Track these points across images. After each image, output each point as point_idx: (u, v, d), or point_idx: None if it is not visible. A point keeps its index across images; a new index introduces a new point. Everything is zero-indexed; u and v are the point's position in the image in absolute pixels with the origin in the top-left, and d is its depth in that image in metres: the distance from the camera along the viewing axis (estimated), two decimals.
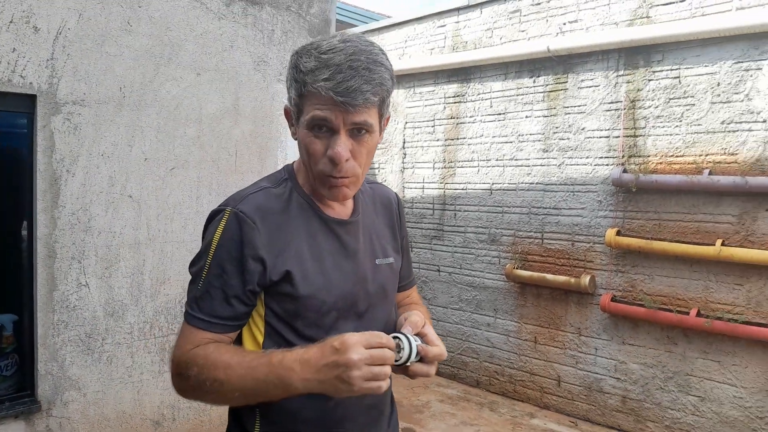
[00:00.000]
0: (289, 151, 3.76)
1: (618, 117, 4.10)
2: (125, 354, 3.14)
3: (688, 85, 3.77)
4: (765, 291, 3.50)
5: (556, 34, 4.42)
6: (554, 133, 4.44)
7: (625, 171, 4.01)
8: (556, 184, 4.44)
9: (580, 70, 4.29)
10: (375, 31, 5.77)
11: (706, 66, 3.70)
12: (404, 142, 5.54)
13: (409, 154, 5.51)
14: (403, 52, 5.54)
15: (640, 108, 3.99)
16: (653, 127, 3.93)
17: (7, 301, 3.00)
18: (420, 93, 5.38)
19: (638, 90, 4.00)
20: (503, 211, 4.78)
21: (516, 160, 4.68)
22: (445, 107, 5.19)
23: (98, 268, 3.02)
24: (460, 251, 5.10)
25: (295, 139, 1.23)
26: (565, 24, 4.37)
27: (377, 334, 1.07)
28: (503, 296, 4.81)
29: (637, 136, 4.01)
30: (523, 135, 4.64)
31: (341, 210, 1.29)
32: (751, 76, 3.52)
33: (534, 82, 4.57)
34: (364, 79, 1.10)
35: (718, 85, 3.65)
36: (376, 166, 5.78)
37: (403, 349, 1.10)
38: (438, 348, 1.17)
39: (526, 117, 4.61)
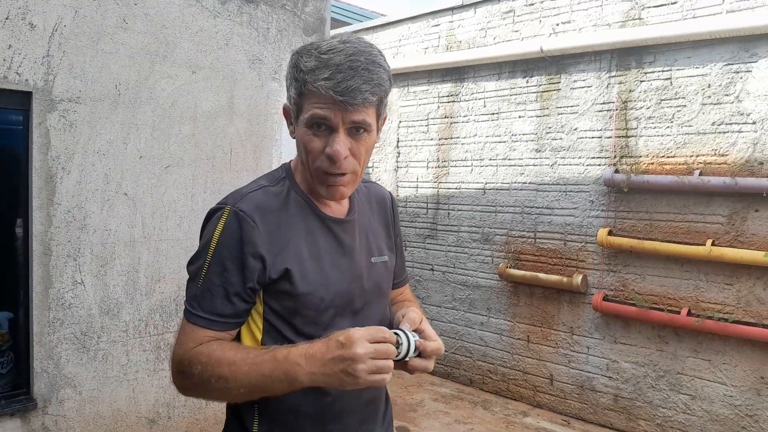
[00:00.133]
0: (283, 149, 3.77)
1: (610, 117, 4.14)
2: (120, 352, 3.14)
3: (680, 87, 3.81)
4: (754, 290, 3.54)
5: (549, 34, 4.45)
6: (547, 133, 4.48)
7: (616, 171, 4.05)
8: (548, 184, 4.48)
9: (573, 71, 4.33)
10: (370, 30, 5.79)
11: (697, 68, 3.74)
12: (398, 141, 5.56)
13: (403, 153, 5.53)
14: (397, 51, 5.56)
15: (631, 109, 4.03)
16: (645, 127, 3.97)
17: (3, 299, 3.00)
18: (414, 92, 5.40)
19: (630, 91, 4.03)
20: (496, 210, 4.82)
21: (509, 159, 4.71)
22: (438, 106, 5.22)
23: (93, 266, 3.02)
24: (454, 250, 5.13)
25: (294, 138, 1.25)
26: (558, 25, 4.41)
27: (380, 329, 1.09)
28: (496, 295, 4.84)
29: (628, 137, 4.05)
30: (516, 135, 4.67)
31: (338, 208, 1.31)
32: (741, 78, 3.56)
33: (527, 82, 4.60)
34: (363, 79, 1.13)
35: (709, 86, 3.69)
36: (371, 164, 5.79)
37: (401, 344, 1.12)
38: (435, 343, 1.19)
39: (519, 117, 4.64)
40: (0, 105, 2.77)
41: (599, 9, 4.18)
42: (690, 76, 3.77)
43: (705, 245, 3.62)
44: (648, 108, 3.95)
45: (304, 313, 1.21)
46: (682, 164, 3.80)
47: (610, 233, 4.07)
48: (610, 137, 4.14)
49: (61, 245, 2.91)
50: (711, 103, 3.69)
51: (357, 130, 1.18)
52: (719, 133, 3.66)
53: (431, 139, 5.28)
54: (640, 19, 3.98)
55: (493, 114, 4.82)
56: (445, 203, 5.19)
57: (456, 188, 5.09)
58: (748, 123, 3.54)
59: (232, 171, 3.54)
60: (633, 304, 3.97)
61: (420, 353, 1.16)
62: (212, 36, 3.40)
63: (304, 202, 1.26)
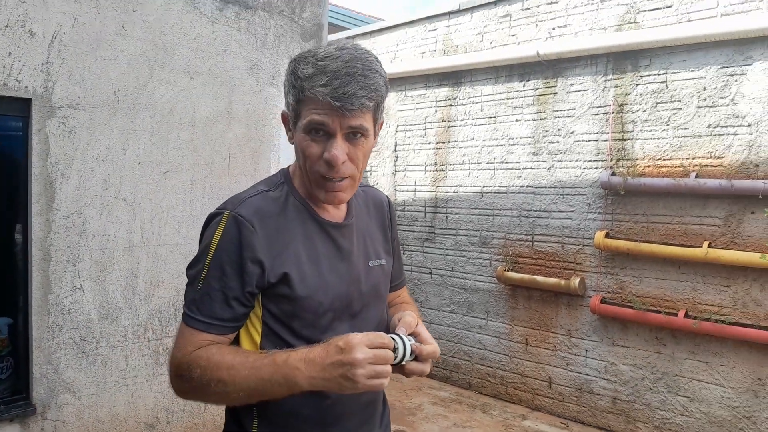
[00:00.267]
0: (281, 154, 3.79)
1: (606, 121, 4.16)
2: (119, 357, 3.15)
3: (675, 90, 3.84)
4: (751, 292, 3.56)
5: (546, 38, 4.47)
6: (544, 136, 4.50)
7: (613, 174, 4.07)
8: (545, 187, 4.50)
9: (569, 75, 4.35)
10: (367, 35, 5.81)
11: (692, 71, 3.77)
12: (396, 145, 5.58)
13: (400, 157, 5.55)
14: (394, 55, 5.58)
15: (628, 112, 4.05)
16: (641, 130, 3.99)
17: (2, 304, 3.01)
18: (411, 96, 5.42)
19: (626, 94, 4.06)
20: (494, 213, 4.83)
21: (506, 163, 4.73)
22: (436, 110, 5.24)
23: (93, 272, 3.03)
24: (452, 254, 5.15)
25: (292, 144, 1.27)
26: (554, 29, 4.44)
27: (379, 334, 1.11)
28: (494, 298, 4.85)
29: (625, 140, 4.07)
30: (513, 138, 4.69)
31: (336, 213, 1.33)
32: (736, 80, 3.59)
33: (524, 85, 4.62)
34: (360, 84, 1.14)
35: (704, 89, 3.71)
36: (369, 168, 5.81)
37: (398, 349, 1.14)
38: (431, 346, 1.21)
39: (516, 120, 4.67)
40: (0, 112, 2.78)
41: (595, 13, 4.21)
42: (685, 79, 3.80)
43: (702, 247, 3.64)
44: (644, 111, 3.98)
45: (302, 317, 1.22)
46: (678, 167, 3.83)
47: (607, 236, 4.09)
48: (606, 140, 4.16)
49: (60, 251, 2.92)
50: (706, 106, 3.71)
51: (354, 135, 1.19)
52: (715, 135, 3.68)
53: (429, 143, 5.30)
54: (635, 22, 4.01)
55: (491, 118, 4.84)
56: (443, 207, 5.21)
57: (454, 192, 5.11)
58: (744, 125, 3.57)
59: (231, 176, 3.56)
60: (630, 307, 3.98)
61: (416, 357, 1.18)
62: (210, 42, 3.42)
63: (302, 206, 1.28)
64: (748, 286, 3.57)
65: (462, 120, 5.04)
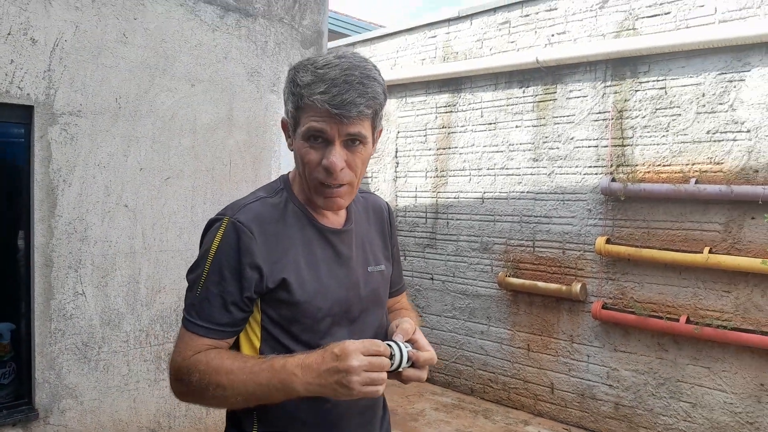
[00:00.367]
0: (282, 161, 3.80)
1: (606, 127, 4.17)
2: (121, 362, 3.16)
3: (674, 96, 3.85)
4: (752, 298, 3.56)
5: (545, 45, 4.49)
6: (544, 142, 4.51)
7: (613, 180, 4.08)
8: (546, 193, 4.51)
9: (569, 81, 4.37)
10: (368, 42, 5.84)
11: (691, 77, 3.78)
12: (396, 152, 5.60)
13: (401, 164, 5.56)
14: (394, 62, 5.61)
15: (627, 118, 4.07)
16: (640, 136, 4.00)
17: (5, 310, 3.02)
18: (412, 103, 5.45)
19: (625, 100, 4.07)
20: (495, 219, 4.84)
21: (507, 169, 4.75)
22: (436, 117, 5.26)
23: (94, 277, 3.05)
24: (453, 259, 5.15)
25: (291, 150, 1.28)
26: (553, 35, 4.46)
27: (375, 342, 1.12)
28: (496, 304, 4.86)
29: (624, 146, 4.08)
30: (513, 144, 4.70)
31: (335, 219, 1.34)
32: (735, 87, 3.60)
33: (523, 92, 4.64)
34: (358, 92, 1.16)
35: (703, 95, 3.72)
36: (370, 174, 5.83)
37: (394, 355, 1.15)
38: (428, 353, 1.22)
39: (516, 127, 4.68)
40: (2, 119, 2.81)
41: (594, 20, 4.23)
42: (684, 86, 3.81)
43: (702, 253, 3.64)
44: (643, 117, 3.99)
45: (301, 321, 1.23)
46: (678, 173, 3.83)
47: (608, 242, 4.09)
48: (606, 146, 4.17)
49: (62, 257, 2.93)
50: (705, 112, 3.72)
51: (353, 142, 1.21)
52: (714, 141, 3.69)
53: (429, 149, 5.31)
54: (634, 29, 4.03)
55: (491, 124, 4.85)
56: (444, 213, 5.22)
57: (455, 198, 5.12)
58: (743, 131, 3.58)
59: (232, 182, 3.57)
60: (632, 312, 3.98)
61: (413, 363, 1.19)
62: (211, 49, 3.44)
63: (301, 212, 1.29)
64: (750, 291, 3.57)
65: (462, 126, 5.06)
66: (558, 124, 4.43)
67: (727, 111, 3.64)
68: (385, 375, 1.11)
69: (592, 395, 4.28)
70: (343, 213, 1.36)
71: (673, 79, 3.85)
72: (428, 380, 5.33)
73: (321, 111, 1.16)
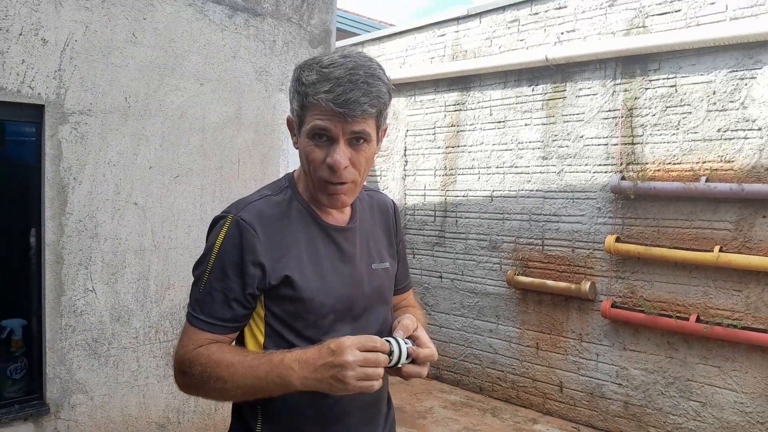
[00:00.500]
0: (290, 159, 3.82)
1: (616, 125, 4.15)
2: (131, 358, 3.19)
3: (685, 94, 3.82)
4: (763, 296, 3.53)
5: (554, 43, 4.48)
6: (553, 140, 4.49)
7: (623, 178, 4.05)
8: (555, 191, 4.49)
9: (578, 79, 4.35)
10: (376, 41, 5.84)
11: (701, 75, 3.75)
12: (405, 150, 5.60)
13: (410, 162, 5.56)
14: (403, 61, 5.61)
15: (637, 116, 4.04)
16: (651, 134, 3.98)
17: (16, 306, 3.07)
18: (421, 101, 5.44)
19: (635, 98, 4.05)
20: (504, 217, 4.83)
21: (516, 167, 4.74)
22: (445, 115, 5.25)
23: (104, 274, 3.08)
24: (462, 258, 5.15)
25: (297, 148, 1.29)
26: (562, 33, 4.44)
27: (371, 338, 1.13)
28: (505, 302, 4.85)
29: (634, 144, 4.06)
30: (522, 143, 4.69)
31: (339, 217, 1.35)
32: (746, 84, 3.57)
33: (533, 90, 4.62)
34: (363, 91, 1.17)
35: (714, 93, 3.70)
36: (378, 173, 5.83)
37: (393, 351, 1.16)
38: (428, 350, 1.22)
39: (526, 125, 4.67)
40: (13, 118, 2.84)
41: (603, 17, 4.21)
42: (695, 83, 3.78)
43: (713, 251, 3.61)
44: (653, 115, 3.96)
45: (305, 318, 1.25)
46: (689, 171, 3.81)
47: (617, 240, 4.07)
48: (616, 144, 4.15)
49: (72, 254, 2.97)
50: (716, 110, 3.69)
51: (357, 140, 1.22)
52: (725, 139, 3.66)
53: (438, 148, 5.31)
54: (644, 27, 4.00)
55: (500, 122, 4.84)
56: (452, 211, 5.21)
57: (463, 196, 5.12)
58: (754, 129, 3.54)
59: (240, 180, 3.59)
60: (642, 311, 3.96)
61: (413, 360, 1.20)
62: (220, 49, 3.46)
63: (305, 210, 1.30)
64: (761, 290, 3.54)
65: (471, 124, 5.05)
66: (567, 122, 4.41)
67: (738, 109, 3.60)
68: (380, 371, 1.11)
69: (601, 394, 4.27)
70: (347, 211, 1.37)
71: (684, 76, 3.82)
72: (436, 378, 5.33)
73: (325, 110, 1.17)
